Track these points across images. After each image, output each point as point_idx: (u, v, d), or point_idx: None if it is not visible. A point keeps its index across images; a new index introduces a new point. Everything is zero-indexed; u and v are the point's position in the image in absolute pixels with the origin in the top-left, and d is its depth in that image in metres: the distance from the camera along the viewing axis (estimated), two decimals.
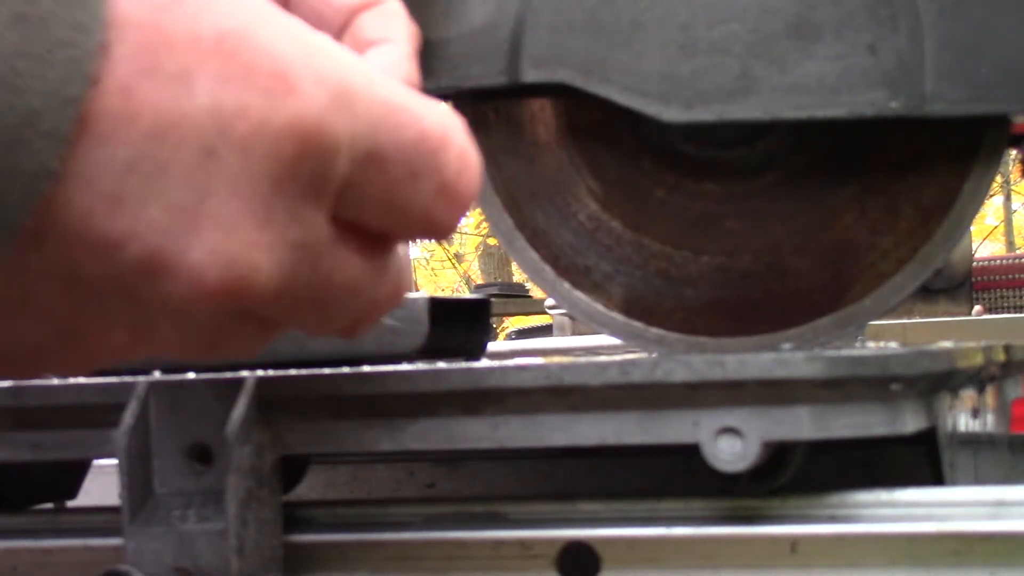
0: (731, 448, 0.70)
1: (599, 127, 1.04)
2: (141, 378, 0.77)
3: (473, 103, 1.04)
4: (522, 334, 6.12)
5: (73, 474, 1.00)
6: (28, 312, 0.41)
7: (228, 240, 0.41)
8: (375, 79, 0.45)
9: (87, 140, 0.39)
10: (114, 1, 0.39)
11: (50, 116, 0.38)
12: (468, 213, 0.50)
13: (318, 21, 0.59)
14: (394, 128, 0.45)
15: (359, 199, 0.45)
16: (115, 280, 0.41)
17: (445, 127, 0.47)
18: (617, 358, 0.74)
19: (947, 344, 0.78)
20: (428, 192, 0.46)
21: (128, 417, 0.76)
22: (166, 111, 0.40)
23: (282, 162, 0.42)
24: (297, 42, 0.43)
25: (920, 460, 0.82)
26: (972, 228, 1.86)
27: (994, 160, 0.98)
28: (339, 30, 0.58)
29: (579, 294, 1.05)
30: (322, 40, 0.44)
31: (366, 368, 0.77)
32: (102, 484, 1.01)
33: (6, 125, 0.37)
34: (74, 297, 0.41)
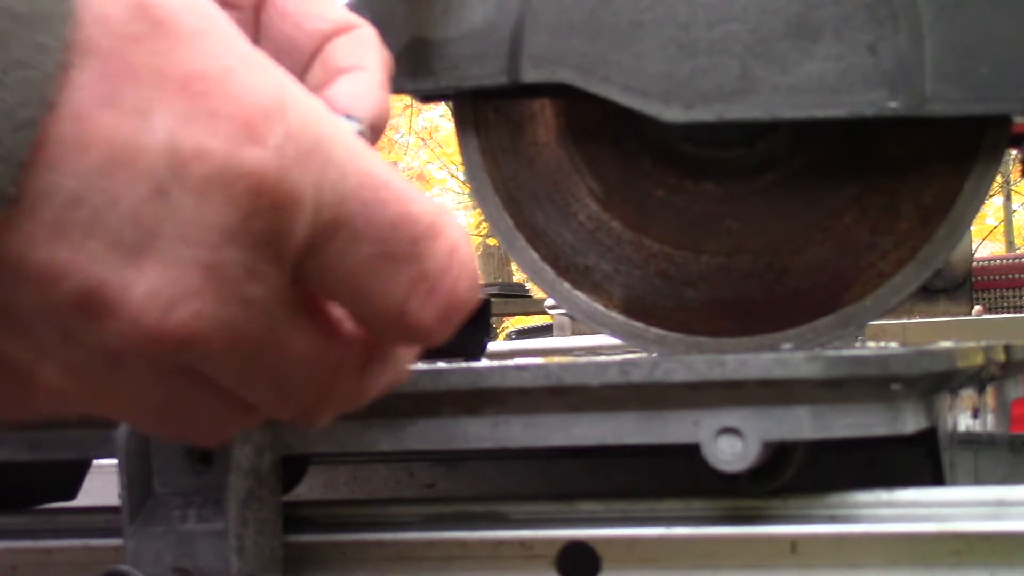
0: (731, 448, 0.70)
1: (599, 127, 1.04)
2: None
3: (473, 103, 1.04)
4: (522, 334, 6.12)
5: (73, 474, 1.00)
6: None
7: (172, 283, 0.39)
8: (360, 152, 0.43)
9: (36, 165, 0.38)
10: (82, 25, 0.38)
11: (4, 140, 0.37)
12: (456, 321, 0.45)
13: (290, 46, 0.58)
14: (370, 202, 0.42)
15: (323, 271, 0.42)
16: (50, 314, 0.39)
17: (436, 217, 0.43)
18: (617, 358, 0.74)
19: (947, 344, 0.78)
20: (404, 282, 0.43)
21: None
22: (120, 144, 0.38)
23: (237, 211, 0.40)
24: (276, 94, 0.41)
25: (920, 460, 0.82)
26: (972, 228, 1.86)
27: (994, 160, 0.98)
28: (311, 56, 0.57)
29: (579, 294, 1.05)
30: (309, 100, 0.42)
31: None
32: (102, 484, 1.01)
33: None
34: (4, 328, 0.40)
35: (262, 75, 0.41)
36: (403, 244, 0.43)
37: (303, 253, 0.42)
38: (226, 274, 0.40)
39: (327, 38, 0.57)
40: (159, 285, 0.39)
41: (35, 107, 0.37)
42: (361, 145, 0.43)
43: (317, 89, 0.56)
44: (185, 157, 0.39)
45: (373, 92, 0.56)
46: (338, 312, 0.45)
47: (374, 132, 0.55)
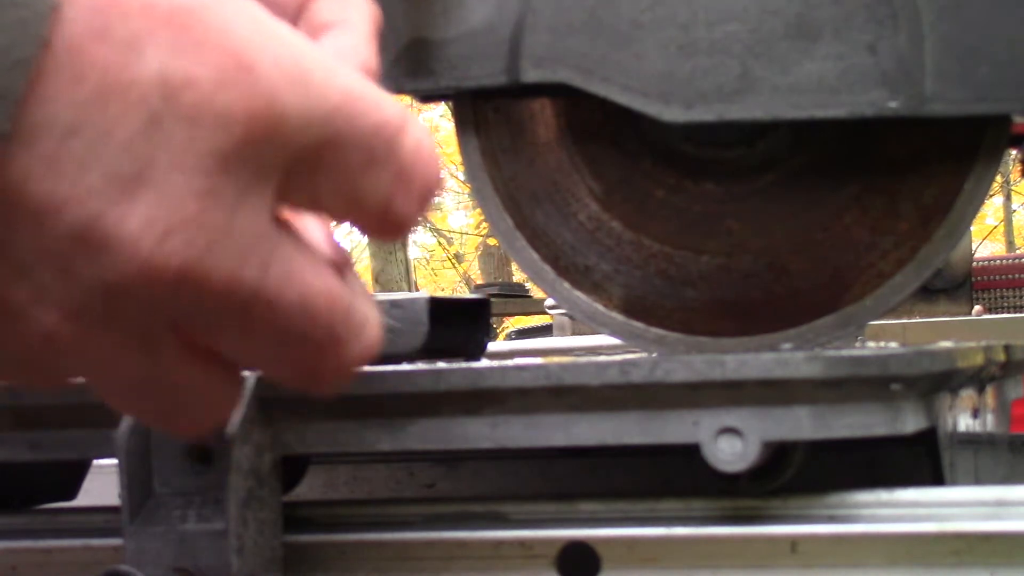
0: (731, 448, 0.70)
1: (599, 127, 1.04)
2: None
3: (473, 103, 1.04)
4: (522, 334, 6.12)
5: (73, 474, 1.00)
6: None
7: (167, 212, 0.40)
8: (336, 68, 0.45)
9: (31, 99, 0.38)
10: None
11: (0, 78, 0.37)
12: (430, 207, 0.49)
13: (274, 5, 0.58)
14: (353, 115, 0.44)
15: (315, 186, 0.45)
16: (48, 249, 0.40)
17: (402, 117, 0.46)
18: (617, 358, 0.74)
19: (947, 344, 0.78)
20: (385, 180, 0.46)
21: (128, 417, 0.76)
22: (113, 75, 0.39)
23: (230, 139, 0.41)
24: (255, 24, 0.42)
25: (920, 460, 0.82)
26: (972, 228, 1.86)
27: (994, 160, 0.98)
28: (296, 13, 0.58)
29: (579, 294, 1.05)
30: (283, 27, 0.44)
31: (366, 368, 0.77)
32: (102, 484, 1.01)
33: None
34: (3, 264, 0.40)
35: (239, 7, 0.43)
36: (382, 147, 0.46)
37: (294, 173, 0.43)
38: (220, 201, 0.41)
39: None
40: (154, 215, 0.40)
41: (30, 45, 0.38)
42: (333, 60, 0.45)
43: None
44: (176, 86, 0.40)
45: (360, 48, 0.56)
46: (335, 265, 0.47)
47: None
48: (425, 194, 0.47)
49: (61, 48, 0.39)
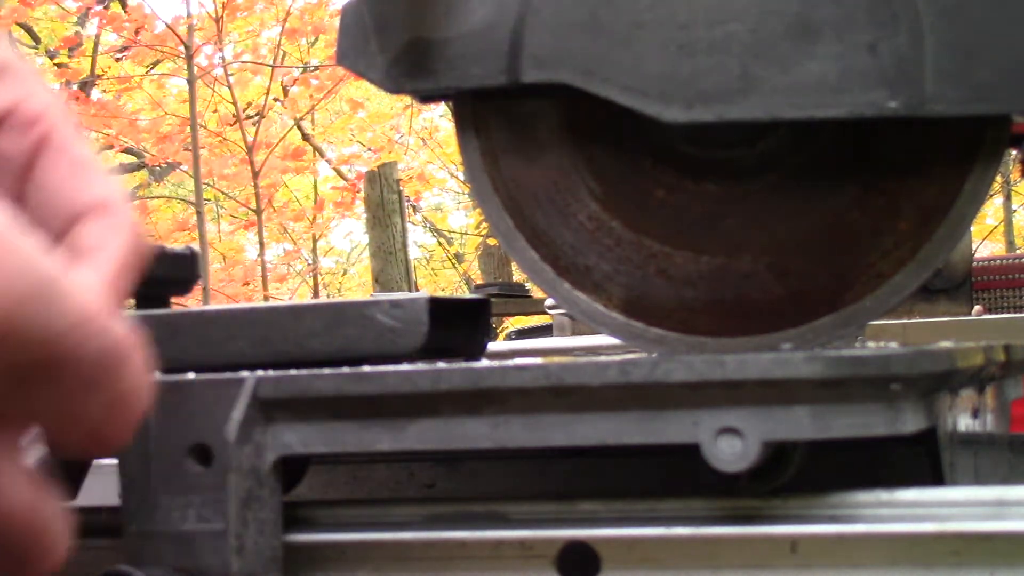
0: (731, 448, 0.70)
1: (599, 127, 1.04)
2: None
3: (473, 103, 1.04)
4: (522, 334, 6.11)
5: (73, 474, 1.00)
6: None
7: None
8: (73, 286, 0.44)
9: None
10: None
11: None
12: (134, 428, 0.50)
13: (46, 218, 0.56)
14: (82, 339, 0.44)
15: (31, 401, 0.45)
16: None
17: (128, 343, 0.46)
18: (617, 358, 0.74)
19: (947, 344, 0.78)
20: (101, 404, 0.46)
21: None
22: None
23: None
24: (1, 237, 0.42)
25: (920, 460, 0.82)
26: (972, 228, 1.86)
27: (994, 160, 0.98)
28: (61, 233, 0.55)
29: (579, 294, 1.05)
30: (29, 241, 0.43)
31: (366, 368, 0.77)
32: (102, 484, 1.01)
33: None
34: None
35: None
36: (104, 374, 0.46)
37: (12, 386, 0.43)
38: None
39: (75, 220, 0.55)
40: None
41: None
42: (77, 282, 0.45)
43: None
44: None
45: (101, 286, 0.55)
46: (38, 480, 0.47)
47: None
48: (135, 419, 0.48)
49: None
